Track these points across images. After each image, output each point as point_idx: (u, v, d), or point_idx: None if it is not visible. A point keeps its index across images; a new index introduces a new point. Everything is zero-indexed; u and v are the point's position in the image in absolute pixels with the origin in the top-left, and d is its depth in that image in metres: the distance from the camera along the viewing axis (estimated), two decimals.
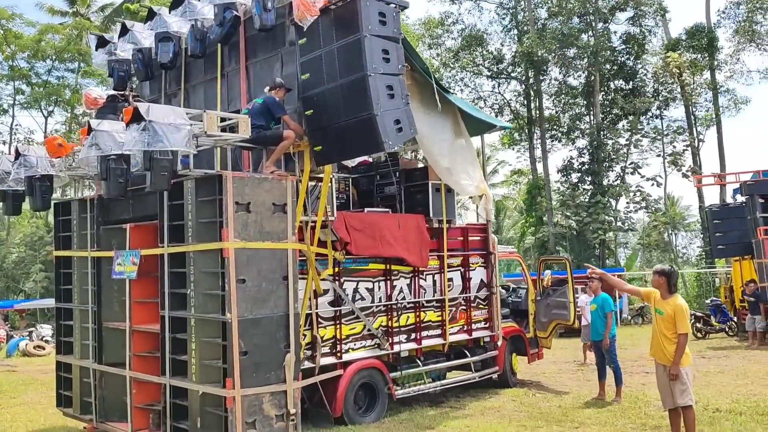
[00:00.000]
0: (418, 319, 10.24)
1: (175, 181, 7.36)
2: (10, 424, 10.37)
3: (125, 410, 8.57)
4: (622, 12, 33.59)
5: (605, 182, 32.88)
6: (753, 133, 71.25)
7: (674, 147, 33.93)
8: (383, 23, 7.61)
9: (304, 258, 8.41)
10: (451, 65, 35.34)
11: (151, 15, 9.99)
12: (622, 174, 33.51)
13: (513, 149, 38.11)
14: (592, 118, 34.24)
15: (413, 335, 10.23)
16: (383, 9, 7.66)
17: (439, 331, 10.61)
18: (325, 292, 9.04)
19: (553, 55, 32.49)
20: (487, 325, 11.51)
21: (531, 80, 34.50)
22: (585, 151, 33.61)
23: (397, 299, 9.95)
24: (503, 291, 12.86)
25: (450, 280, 10.82)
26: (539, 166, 34.79)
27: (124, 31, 10.23)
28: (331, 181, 8.63)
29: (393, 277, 9.94)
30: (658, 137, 34.61)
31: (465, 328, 11.09)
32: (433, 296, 10.54)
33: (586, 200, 32.26)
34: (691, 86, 32.74)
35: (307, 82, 8.11)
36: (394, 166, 11.10)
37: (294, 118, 8.29)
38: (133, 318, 8.55)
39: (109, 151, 7.25)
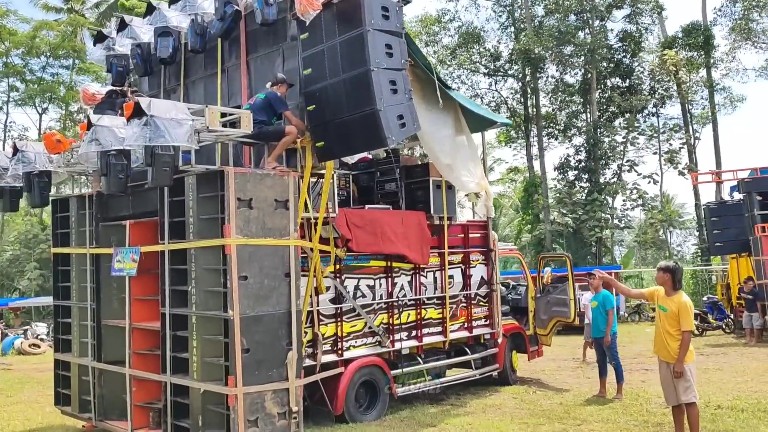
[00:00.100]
0: (419, 317, 10.20)
1: (176, 177, 7.27)
2: (7, 422, 10.28)
3: (125, 408, 8.49)
4: (619, 10, 33.61)
5: (602, 180, 32.90)
6: (749, 131, 71.52)
7: (670, 145, 34.01)
8: (386, 18, 7.54)
9: (305, 255, 8.35)
10: (448, 63, 35.30)
11: (150, 9, 9.89)
12: (618, 172, 33.52)
13: (510, 147, 38.11)
14: (588, 115, 34.26)
15: (414, 332, 10.19)
16: (386, 3, 7.59)
17: (439, 329, 10.58)
18: (327, 289, 8.98)
19: (550, 52, 32.46)
20: (487, 323, 11.47)
21: (528, 78, 34.47)
22: (582, 148, 33.62)
23: (398, 296, 9.91)
24: (503, 288, 12.82)
25: (451, 277, 10.78)
26: (536, 164, 34.81)
27: (123, 25, 10.13)
28: (332, 178, 8.57)
29: (394, 274, 9.89)
30: (655, 135, 34.66)
31: (466, 326, 11.06)
32: (434, 293, 10.50)
33: (583, 198, 32.27)
34: (687, 84, 32.77)
35: (309, 77, 8.03)
36: (394, 162, 11.04)
37: (296, 113, 8.23)
38: (132, 315, 8.47)
39: (109, 146, 7.16)
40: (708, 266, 29.68)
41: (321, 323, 8.84)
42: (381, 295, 9.73)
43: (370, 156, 11.82)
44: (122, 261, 8.50)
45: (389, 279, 9.85)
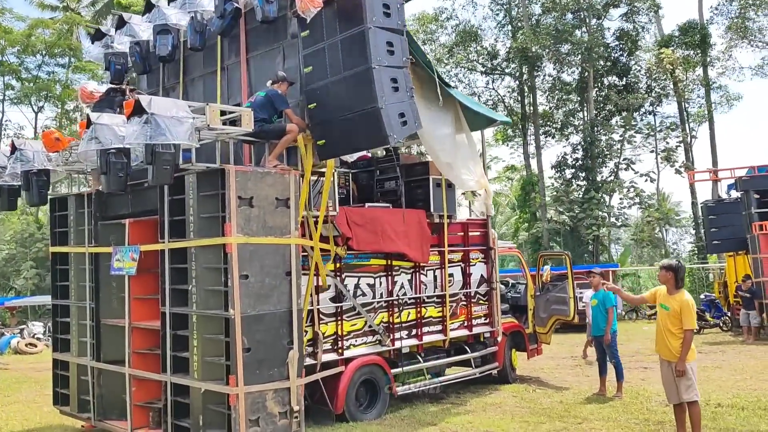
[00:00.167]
0: (419, 315, 10.18)
1: (176, 176, 7.23)
2: (6, 422, 10.23)
3: (124, 408, 8.44)
4: (616, 8, 33.62)
5: (599, 178, 32.92)
6: (745, 130, 71.71)
7: (667, 143, 34.06)
8: (387, 15, 7.51)
9: (305, 253, 8.32)
10: (445, 61, 35.28)
11: (149, 7, 9.84)
12: (615, 170, 33.56)
13: (507, 145, 38.13)
14: (585, 114, 34.29)
15: (414, 331, 10.17)
16: (387, 0, 7.54)
17: (439, 327, 10.56)
18: (327, 287, 8.96)
19: (547, 51, 32.47)
20: (487, 321, 11.47)
21: (525, 76, 34.48)
22: (579, 147, 33.63)
23: (398, 295, 9.88)
24: (502, 286, 12.81)
25: (451, 275, 10.77)
26: (533, 162, 34.81)
27: (122, 23, 10.08)
28: (333, 176, 8.54)
29: (394, 273, 9.87)
30: (651, 133, 34.71)
31: (465, 324, 11.05)
32: (434, 292, 10.48)
33: (580, 196, 32.30)
34: (684, 82, 32.83)
35: (310, 75, 8.00)
36: (395, 160, 11.01)
37: (296, 111, 8.19)
38: (132, 314, 8.42)
39: (109, 144, 7.13)
40: (704, 264, 29.73)
41: (321, 322, 8.82)
42: (381, 294, 9.71)
43: (369, 154, 11.78)
44: (121, 260, 8.45)
45: (389, 277, 9.83)
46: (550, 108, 36.17)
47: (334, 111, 7.79)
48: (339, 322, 9.09)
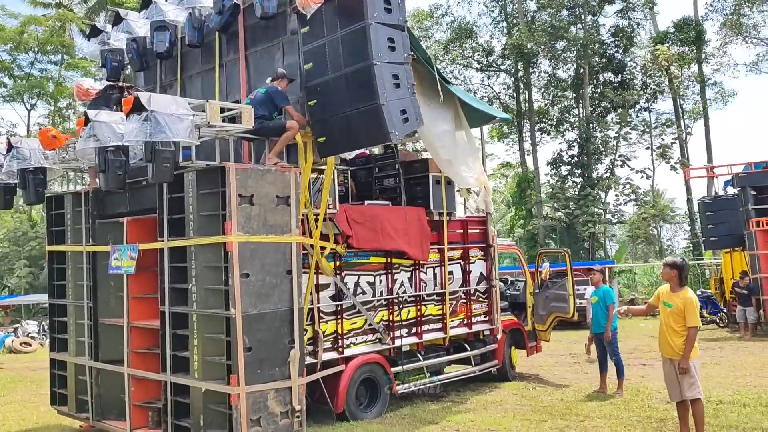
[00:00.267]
0: (419, 313, 10.13)
1: (175, 174, 7.15)
2: (2, 423, 10.14)
3: (123, 408, 8.37)
4: (611, 5, 33.67)
5: (595, 175, 32.96)
6: (740, 126, 71.90)
7: (662, 140, 34.12)
8: (388, 11, 7.43)
9: (305, 252, 8.26)
10: (441, 58, 35.23)
11: (146, 3, 9.74)
12: (611, 166, 33.61)
13: (503, 142, 38.13)
14: (581, 110, 34.30)
15: (414, 329, 10.12)
16: None
17: (439, 325, 10.51)
18: (327, 286, 8.90)
19: (543, 47, 32.46)
20: (486, 319, 11.43)
21: (520, 73, 34.49)
22: (574, 143, 33.66)
23: (398, 293, 9.83)
24: (501, 284, 12.77)
25: (450, 273, 10.72)
26: (528, 159, 34.82)
27: (118, 20, 9.99)
28: (333, 173, 8.47)
29: (394, 271, 9.81)
30: (647, 130, 34.76)
31: (465, 322, 11.00)
32: (434, 290, 10.43)
33: (576, 193, 32.33)
34: (679, 79, 32.88)
35: (310, 71, 7.92)
36: (393, 158, 10.95)
37: (297, 108, 8.11)
38: (130, 314, 8.34)
39: (107, 142, 7.03)
40: (700, 260, 29.80)
41: (321, 321, 8.76)
42: (381, 292, 9.66)
43: (367, 151, 11.72)
44: (120, 259, 8.36)
45: (389, 275, 9.77)
46: (546, 105, 36.18)
47: (334, 108, 7.73)
48: (339, 321, 9.03)
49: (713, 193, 22.68)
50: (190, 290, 7.46)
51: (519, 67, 34.17)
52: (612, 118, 34.19)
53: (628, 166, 33.60)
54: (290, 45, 8.38)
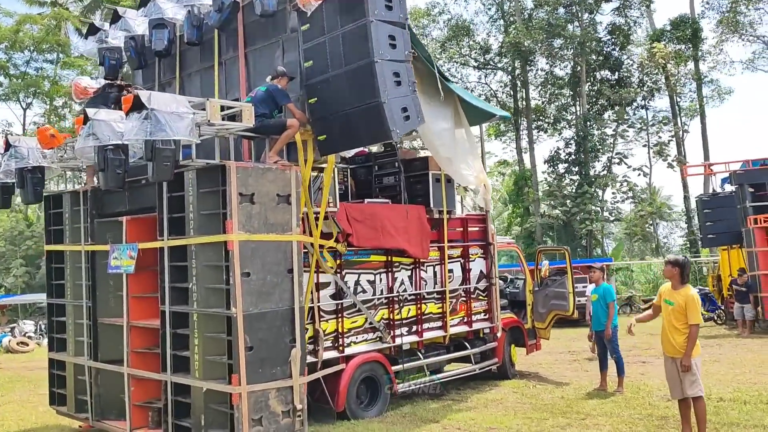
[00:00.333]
0: (419, 312, 10.11)
1: (175, 172, 7.11)
2: (1, 423, 10.09)
3: (122, 408, 8.34)
4: (608, 2, 33.72)
5: (592, 172, 32.98)
6: (736, 123, 72.07)
7: (659, 137, 34.16)
8: (389, 8, 7.41)
9: (306, 250, 8.22)
10: (438, 56, 35.20)
11: (144, 1, 9.68)
12: (608, 164, 33.63)
13: (500, 140, 38.15)
14: (578, 108, 34.33)
15: (414, 328, 10.09)
16: None
17: (439, 323, 10.49)
18: (327, 285, 8.87)
19: (540, 45, 32.46)
20: (486, 317, 11.41)
21: (517, 71, 34.48)
22: (571, 141, 33.68)
23: (398, 291, 9.81)
24: (501, 282, 12.75)
25: (450, 271, 10.69)
26: (525, 157, 34.85)
27: (116, 17, 9.93)
28: (333, 172, 8.44)
29: (394, 269, 9.79)
30: (644, 127, 34.79)
31: (465, 320, 10.98)
32: (434, 288, 10.41)
33: (573, 191, 32.35)
34: (676, 77, 32.92)
35: (311, 69, 7.89)
36: (392, 156, 10.93)
37: (297, 106, 8.08)
38: (130, 313, 8.30)
39: (107, 140, 6.97)
40: (697, 258, 29.86)
41: (322, 319, 8.73)
42: (381, 290, 9.63)
43: (367, 149, 11.68)
44: (119, 258, 8.32)
45: (389, 274, 9.74)
46: (543, 103, 36.22)
47: (335, 106, 7.70)
48: (340, 320, 9.00)
49: (711, 191, 22.66)
50: (190, 289, 7.42)
51: (516, 65, 34.17)
52: (609, 116, 34.23)
53: (626, 163, 33.69)
54: (290, 43, 8.35)
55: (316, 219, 8.28)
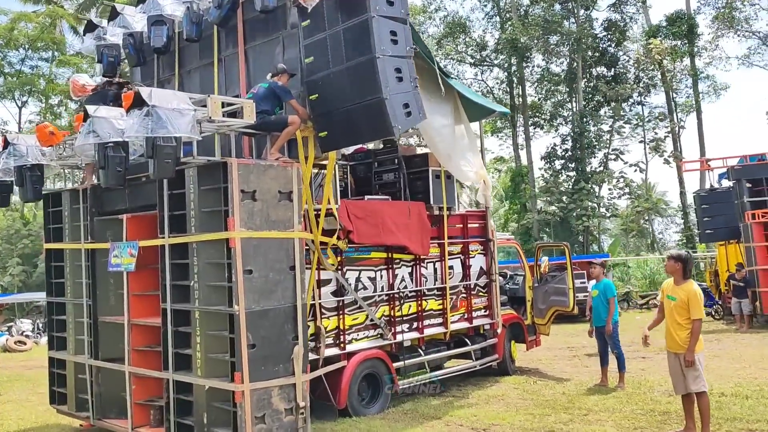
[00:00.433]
0: (419, 308, 10.10)
1: (176, 170, 7.06)
2: (0, 422, 10.04)
3: (123, 406, 8.30)
4: None
5: (588, 169, 33.00)
6: (732, 119, 72.16)
7: (656, 133, 34.20)
8: (390, 4, 7.37)
9: (307, 248, 8.19)
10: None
11: None
12: (605, 160, 33.66)
13: (497, 137, 38.14)
14: (574, 104, 34.34)
15: (415, 324, 10.08)
16: None
17: (440, 320, 10.49)
18: (328, 282, 8.85)
19: (536, 42, 32.45)
20: (487, 313, 11.41)
21: (514, 67, 34.46)
22: (568, 138, 33.70)
23: (399, 288, 9.79)
24: (500, 278, 12.75)
25: (450, 267, 10.68)
26: (522, 154, 34.83)
27: (114, 14, 9.86)
28: (334, 168, 8.42)
29: (395, 266, 9.77)
30: (640, 124, 34.83)
31: (466, 316, 10.98)
32: (434, 284, 10.39)
33: (570, 187, 32.38)
34: (672, 73, 32.95)
35: (311, 65, 7.85)
36: (392, 152, 10.90)
37: (298, 102, 8.04)
38: (131, 311, 8.26)
39: (107, 138, 6.93)
40: (693, 253, 29.91)
41: (323, 316, 8.71)
42: (382, 287, 9.61)
43: (367, 147, 11.65)
44: (119, 256, 8.28)
45: (390, 270, 9.72)
46: (539, 99, 36.23)
47: (336, 102, 7.66)
48: (341, 317, 8.98)
49: (709, 186, 22.71)
50: (191, 287, 7.39)
51: (512, 61, 34.15)
52: (605, 112, 34.26)
53: (622, 159, 33.71)
54: (290, 39, 8.31)
55: (317, 216, 8.26)
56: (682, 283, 7.28)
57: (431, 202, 10.35)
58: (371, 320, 9.36)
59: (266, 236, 7.26)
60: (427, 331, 10.23)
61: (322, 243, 8.46)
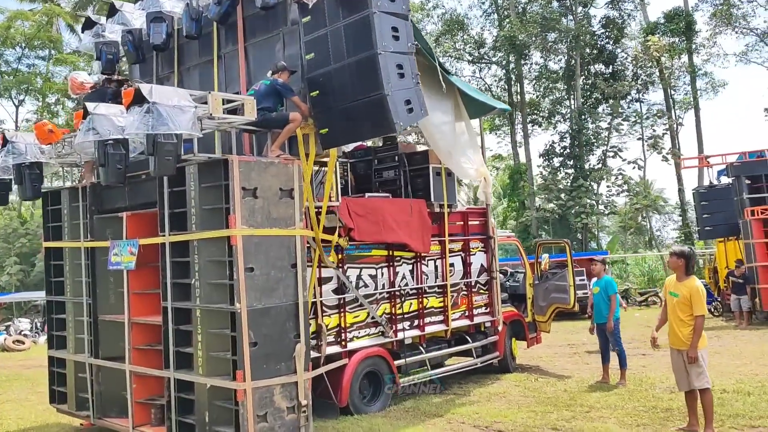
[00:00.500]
0: (421, 306, 10.06)
1: (177, 167, 7.02)
2: (0, 422, 9.99)
3: (124, 405, 8.26)
4: None
5: (587, 166, 33.00)
6: (730, 116, 72.24)
7: (654, 130, 34.20)
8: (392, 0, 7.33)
9: (308, 245, 8.16)
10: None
11: None
12: (603, 157, 33.66)
13: (495, 134, 38.13)
14: (572, 102, 34.33)
15: (416, 322, 10.05)
16: None
17: (441, 318, 10.45)
18: (329, 279, 8.81)
19: (534, 39, 32.42)
20: (487, 310, 11.38)
21: (512, 65, 34.43)
22: (566, 135, 33.69)
23: (399, 286, 9.76)
24: (501, 275, 12.72)
25: (451, 265, 10.65)
26: (520, 151, 34.81)
27: (113, 11, 9.80)
28: (335, 166, 8.37)
29: (395, 264, 9.74)
30: (638, 121, 34.83)
31: (467, 314, 10.95)
32: (435, 282, 10.36)
33: (568, 184, 32.38)
34: (670, 70, 32.96)
35: (312, 62, 7.80)
36: (392, 149, 10.86)
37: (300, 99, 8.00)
38: (131, 310, 8.21)
39: (107, 135, 6.88)
40: None
41: (324, 314, 8.67)
42: (383, 285, 9.57)
43: (366, 144, 11.62)
44: (119, 254, 8.23)
45: (391, 268, 9.69)
46: (537, 97, 36.21)
47: (337, 99, 7.61)
48: (342, 314, 8.94)
49: (707, 183, 22.72)
50: (192, 285, 7.35)
51: (510, 59, 34.13)
52: (603, 109, 34.27)
53: (620, 157, 33.73)
54: (291, 35, 8.26)
55: (318, 214, 8.22)
56: (684, 279, 7.26)
57: (432, 199, 10.31)
58: (372, 318, 9.33)
59: (268, 234, 7.22)
60: (428, 329, 10.20)
61: (323, 240, 8.41)
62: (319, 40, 7.71)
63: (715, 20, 33.27)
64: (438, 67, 9.29)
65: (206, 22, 9.00)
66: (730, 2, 32.78)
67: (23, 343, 21.54)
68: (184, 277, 7.47)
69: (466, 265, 10.99)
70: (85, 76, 10.21)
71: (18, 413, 10.56)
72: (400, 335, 9.69)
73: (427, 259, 10.23)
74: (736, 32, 34.08)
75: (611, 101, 33.12)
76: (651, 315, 21.22)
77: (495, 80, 36.94)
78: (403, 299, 9.79)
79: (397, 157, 10.65)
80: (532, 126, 35.84)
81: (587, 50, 33.33)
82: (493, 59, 35.85)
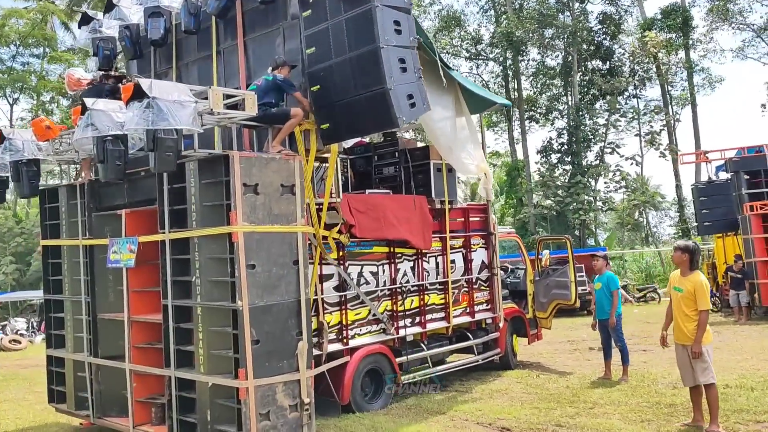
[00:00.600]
0: (422, 303, 10.00)
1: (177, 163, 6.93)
2: None
3: (124, 404, 8.17)
4: None
5: (584, 162, 32.98)
6: (727, 112, 72.35)
7: (651, 126, 34.22)
8: None
9: (310, 242, 8.08)
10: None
11: None
12: (600, 154, 33.64)
13: (492, 131, 38.07)
14: (570, 98, 34.30)
15: (418, 319, 9.99)
16: None
17: (442, 314, 10.39)
18: (330, 277, 8.74)
19: (531, 35, 32.37)
20: (489, 307, 11.33)
21: (509, 61, 34.38)
22: (564, 131, 33.66)
23: (401, 283, 9.69)
24: (501, 272, 12.66)
25: (452, 261, 10.59)
26: (518, 148, 34.78)
27: (110, 6, 9.70)
28: (336, 162, 8.30)
29: (397, 260, 9.67)
30: (636, 117, 34.82)
31: (468, 311, 10.89)
32: (437, 279, 10.30)
33: (566, 181, 32.35)
34: (667, 65, 32.94)
35: (313, 56, 7.72)
36: (392, 145, 10.79)
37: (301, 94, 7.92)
38: (131, 308, 8.13)
39: (106, 131, 6.80)
40: None
41: (325, 312, 8.60)
42: (384, 282, 9.51)
43: (366, 140, 11.54)
44: (118, 252, 8.14)
45: (392, 265, 9.62)
46: (535, 93, 36.17)
47: (338, 93, 7.54)
48: (343, 312, 8.87)
49: (705, 178, 22.70)
50: (193, 283, 7.26)
51: (507, 55, 34.08)
52: (601, 106, 34.25)
53: (618, 153, 33.71)
54: (291, 30, 8.18)
55: (319, 210, 8.15)
56: (688, 274, 7.23)
57: (432, 195, 10.25)
58: (374, 315, 9.26)
59: (269, 230, 7.13)
60: (430, 326, 10.14)
61: (324, 237, 8.34)
62: (319, 35, 7.63)
63: (712, 16, 33.25)
64: (439, 61, 9.21)
65: (205, 17, 8.92)
66: None
67: (20, 342, 21.43)
68: (185, 275, 7.37)
69: (467, 261, 10.93)
70: (82, 72, 10.13)
71: (16, 413, 10.47)
72: (402, 332, 9.63)
73: (428, 255, 10.16)
74: (733, 28, 34.12)
75: (608, 97, 33.10)
76: (650, 311, 21.21)
77: (492, 77, 36.97)
78: (404, 296, 9.73)
79: (397, 153, 10.58)
80: (530, 122, 35.81)
81: (584, 46, 33.30)
82: (490, 56, 35.81)
